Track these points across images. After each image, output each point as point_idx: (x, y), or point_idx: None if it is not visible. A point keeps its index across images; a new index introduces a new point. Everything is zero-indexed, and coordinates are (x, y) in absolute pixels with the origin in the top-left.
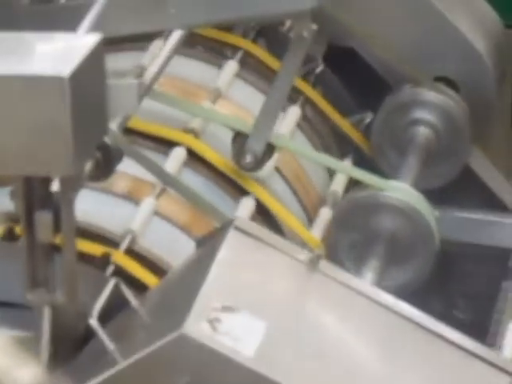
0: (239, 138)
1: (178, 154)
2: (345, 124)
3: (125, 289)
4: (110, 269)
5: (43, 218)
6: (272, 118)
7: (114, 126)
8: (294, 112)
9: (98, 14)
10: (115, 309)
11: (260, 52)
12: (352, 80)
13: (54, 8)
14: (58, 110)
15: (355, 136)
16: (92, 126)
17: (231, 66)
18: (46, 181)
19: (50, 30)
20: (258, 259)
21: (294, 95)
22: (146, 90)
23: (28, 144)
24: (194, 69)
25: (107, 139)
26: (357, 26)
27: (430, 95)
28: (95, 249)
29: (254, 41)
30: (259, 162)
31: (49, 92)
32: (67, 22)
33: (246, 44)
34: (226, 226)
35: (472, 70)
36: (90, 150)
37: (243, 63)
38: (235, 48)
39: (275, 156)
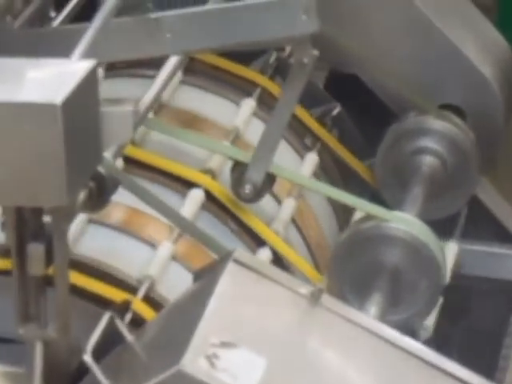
0: (238, 167)
1: (196, 196)
2: (360, 167)
3: (120, 323)
4: (129, 316)
5: (35, 250)
6: (271, 147)
7: (108, 154)
8: (312, 159)
9: (92, 40)
10: (110, 344)
11: (277, 90)
12: (354, 107)
13: (47, 32)
14: (51, 138)
15: (367, 176)
16: (85, 155)
17: (249, 104)
18: (38, 211)
19: (42, 56)
20: (257, 293)
21: (312, 140)
22: (141, 118)
23: (19, 173)
24: (209, 103)
25: (101, 168)
26: (359, 53)
27: (436, 123)
28: (112, 292)
29: (272, 78)
30: (258, 193)
31: (41, 120)
32: (60, 47)
33: (264, 81)
34: (224, 258)
35: (479, 97)
36: (84, 180)
37: (260, 101)
38: (252, 84)
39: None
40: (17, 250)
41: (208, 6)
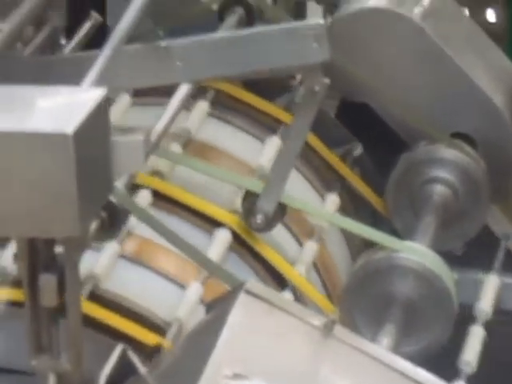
0: (250, 197)
1: (223, 237)
2: (377, 201)
3: (132, 355)
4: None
5: (47, 281)
6: (283, 176)
7: (119, 184)
8: (333, 200)
9: (103, 68)
10: (123, 376)
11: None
12: (365, 136)
13: (57, 60)
14: (62, 168)
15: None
16: (97, 185)
17: (274, 142)
18: (50, 242)
19: (53, 83)
20: (270, 323)
21: (333, 181)
22: (152, 148)
23: (31, 204)
24: (234, 138)
25: (113, 198)
26: (370, 81)
27: (447, 152)
28: (141, 333)
29: None
30: (270, 223)
31: (52, 150)
32: (71, 74)
33: (288, 118)
34: (236, 289)
35: (490, 126)
36: (96, 210)
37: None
38: (276, 121)
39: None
40: (29, 281)
41: (218, 34)
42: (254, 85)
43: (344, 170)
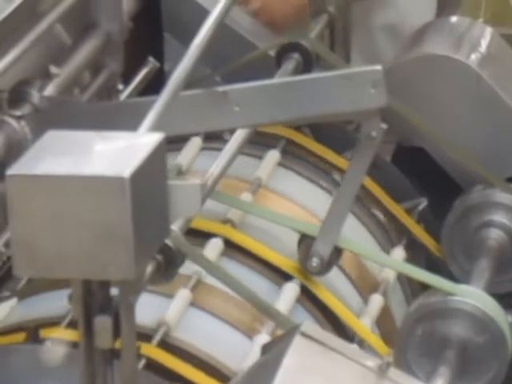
0: (306, 240)
1: (292, 290)
2: (434, 245)
3: None
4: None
5: (102, 323)
6: (339, 220)
7: (175, 227)
8: (399, 255)
9: (160, 113)
10: None
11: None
12: (420, 180)
13: (114, 106)
14: (119, 211)
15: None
16: (153, 228)
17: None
18: (106, 284)
19: (110, 129)
20: (324, 366)
21: (398, 234)
22: (208, 191)
23: (87, 246)
24: (304, 191)
25: (169, 241)
26: (426, 126)
27: (503, 197)
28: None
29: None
30: (326, 266)
31: (109, 193)
32: (128, 120)
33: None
34: (291, 331)
35: None
36: (151, 253)
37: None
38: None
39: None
40: (84, 323)
41: (275, 80)
42: (323, 136)
43: (410, 222)
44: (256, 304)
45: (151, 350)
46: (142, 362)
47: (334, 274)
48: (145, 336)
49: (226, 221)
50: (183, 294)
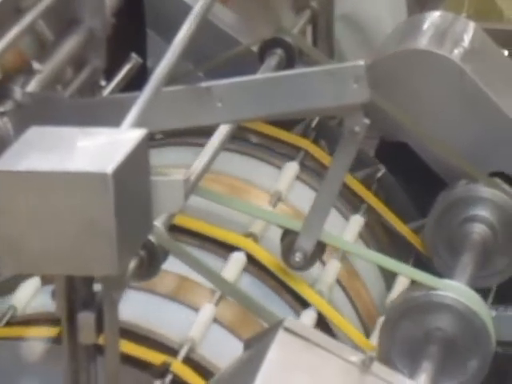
0: (288, 236)
1: (238, 259)
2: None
3: None
4: (169, 378)
5: (86, 319)
6: (322, 215)
7: (158, 223)
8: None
9: (142, 109)
10: None
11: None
12: (404, 175)
13: (97, 102)
14: (102, 207)
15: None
16: (136, 224)
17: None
18: (89, 280)
19: (93, 125)
20: (308, 361)
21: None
22: (191, 187)
23: (70, 242)
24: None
25: (152, 237)
26: (409, 121)
27: (486, 191)
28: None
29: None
30: (309, 261)
31: (92, 189)
32: (110, 116)
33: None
34: (274, 326)
35: None
36: (134, 249)
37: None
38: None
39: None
40: (67, 319)
41: (258, 76)
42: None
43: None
44: (241, 300)
45: (178, 367)
46: (169, 378)
47: None
48: (170, 349)
49: (249, 234)
50: (209, 310)
